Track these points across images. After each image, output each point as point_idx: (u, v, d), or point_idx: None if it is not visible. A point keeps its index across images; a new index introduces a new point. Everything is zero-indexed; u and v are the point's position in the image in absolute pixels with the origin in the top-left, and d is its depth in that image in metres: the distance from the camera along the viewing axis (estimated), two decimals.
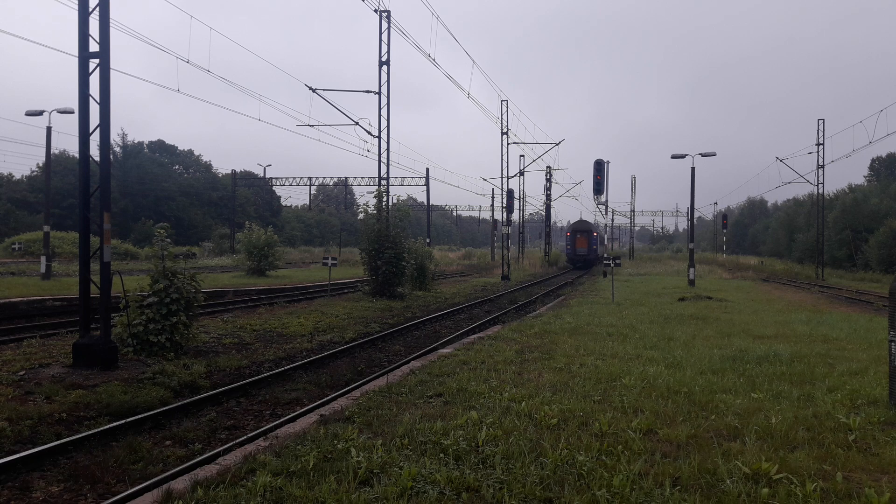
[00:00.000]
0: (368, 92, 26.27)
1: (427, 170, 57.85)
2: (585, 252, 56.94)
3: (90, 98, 10.65)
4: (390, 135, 26.19)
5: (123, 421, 7.75)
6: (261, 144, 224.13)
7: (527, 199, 77.15)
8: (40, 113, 28.20)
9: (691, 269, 32.86)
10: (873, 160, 79.49)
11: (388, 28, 25.54)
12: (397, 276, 24.83)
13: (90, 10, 10.63)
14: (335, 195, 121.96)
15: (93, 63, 10.66)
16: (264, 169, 72.91)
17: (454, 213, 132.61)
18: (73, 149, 68.42)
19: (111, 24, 10.69)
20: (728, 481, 4.71)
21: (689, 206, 35.11)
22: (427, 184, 57.73)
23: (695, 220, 37.22)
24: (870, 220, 53.72)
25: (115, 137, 71.66)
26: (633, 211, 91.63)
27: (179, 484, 4.91)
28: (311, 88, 25.07)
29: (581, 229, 59.55)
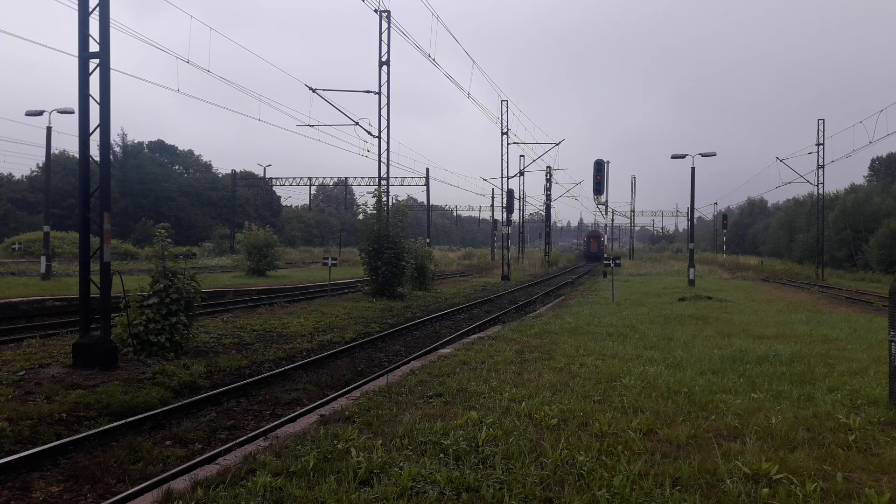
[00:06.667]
0: (368, 92, 26.28)
1: (427, 170, 57.86)
2: (596, 251, 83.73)
3: (90, 98, 10.66)
4: (390, 135, 26.23)
5: (123, 421, 7.75)
6: (261, 145, 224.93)
7: (527, 199, 77.21)
8: (40, 113, 28.20)
9: (691, 270, 32.86)
10: (873, 160, 79.34)
11: (388, 28, 25.56)
12: (397, 276, 24.82)
13: (90, 10, 10.64)
14: (335, 195, 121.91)
15: (93, 63, 10.66)
16: (264, 169, 72.91)
17: (454, 214, 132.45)
18: (73, 149, 68.48)
19: (111, 25, 10.70)
20: (728, 481, 4.71)
21: (690, 206, 35.15)
22: (427, 184, 57.72)
23: (695, 221, 37.22)
24: (870, 220, 53.69)
25: (115, 137, 71.70)
26: (633, 211, 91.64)
27: (179, 484, 4.91)
28: (311, 88, 25.07)
29: (593, 235, 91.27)
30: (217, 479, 4.91)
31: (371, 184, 60.31)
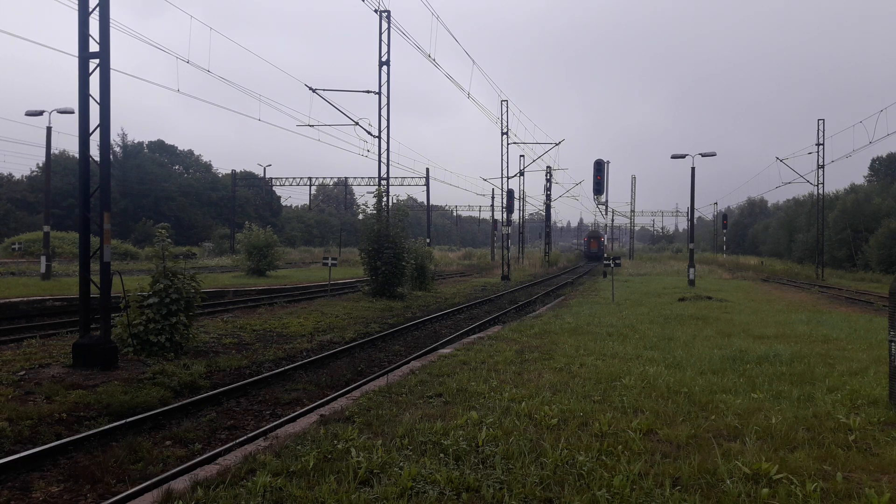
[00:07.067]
0: (368, 92, 26.28)
1: (427, 170, 57.84)
2: (596, 250, 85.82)
3: (90, 98, 10.66)
4: (390, 135, 26.23)
5: (123, 421, 7.75)
6: (261, 145, 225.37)
7: (527, 199, 77.27)
8: (40, 113, 28.20)
9: (691, 270, 32.86)
10: (873, 160, 79.31)
11: (389, 28, 25.56)
12: (397, 276, 24.82)
13: (90, 10, 10.64)
14: (335, 195, 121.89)
15: (93, 63, 10.67)
16: (264, 169, 72.86)
17: (454, 214, 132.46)
18: (73, 149, 68.45)
19: (111, 25, 10.70)
20: (728, 481, 4.71)
21: (690, 206, 35.14)
22: (427, 184, 57.72)
23: (695, 221, 37.22)
24: (870, 220, 53.69)
25: (115, 137, 71.70)
26: (633, 211, 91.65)
27: (179, 484, 4.91)
28: (311, 89, 25.07)
29: (593, 236, 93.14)
30: (217, 479, 4.91)
31: (371, 184, 60.36)
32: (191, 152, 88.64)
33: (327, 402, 8.41)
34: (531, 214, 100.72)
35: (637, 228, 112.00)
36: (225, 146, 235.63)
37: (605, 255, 33.81)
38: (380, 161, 25.93)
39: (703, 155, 34.11)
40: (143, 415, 8.06)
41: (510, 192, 44.92)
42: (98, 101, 10.59)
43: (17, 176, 70.86)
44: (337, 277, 32.64)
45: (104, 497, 5.72)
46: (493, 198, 76.92)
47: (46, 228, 28.93)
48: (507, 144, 42.82)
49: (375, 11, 25.28)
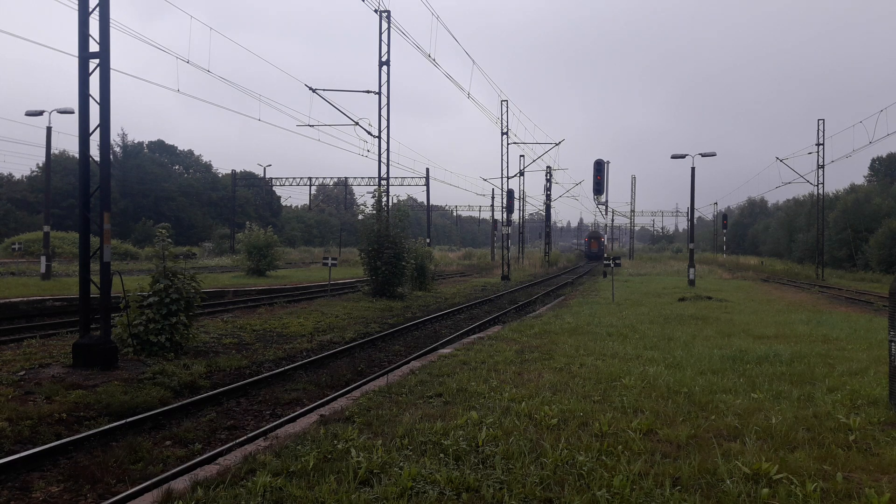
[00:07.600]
0: (368, 92, 26.28)
1: (427, 170, 57.84)
2: (597, 251, 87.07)
3: (90, 98, 10.66)
4: (390, 135, 26.23)
5: (123, 421, 7.75)
6: (261, 145, 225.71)
7: (527, 199, 77.19)
8: (40, 113, 28.20)
9: (691, 270, 32.86)
10: (873, 160, 79.27)
11: (388, 28, 25.57)
12: (397, 277, 24.83)
13: (90, 10, 10.64)
14: (335, 195, 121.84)
15: (93, 63, 10.67)
16: (264, 169, 72.80)
17: (454, 214, 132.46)
18: (73, 149, 68.42)
19: (111, 25, 10.70)
20: (728, 481, 4.71)
21: (690, 206, 35.14)
22: (427, 184, 57.72)
23: (695, 221, 37.21)
24: (870, 221, 53.67)
25: (115, 137, 71.68)
26: (633, 211, 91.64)
27: (179, 484, 4.91)
28: (311, 89, 25.07)
29: (594, 236, 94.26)
30: (217, 479, 4.91)
31: (371, 184, 60.35)
32: (191, 152, 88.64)
33: (327, 402, 8.41)
34: (531, 214, 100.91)
35: (637, 228, 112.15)
36: (225, 146, 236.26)
37: (606, 255, 33.99)
38: (380, 161, 25.94)
39: (703, 155, 34.13)
40: (143, 415, 8.06)
41: (510, 192, 44.93)
42: (98, 101, 10.59)
43: (17, 176, 70.97)
44: (337, 277, 32.65)
45: (104, 497, 5.72)
46: (493, 198, 76.96)
47: (46, 228, 28.93)
48: (507, 144, 42.85)
49: (375, 11, 25.31)
